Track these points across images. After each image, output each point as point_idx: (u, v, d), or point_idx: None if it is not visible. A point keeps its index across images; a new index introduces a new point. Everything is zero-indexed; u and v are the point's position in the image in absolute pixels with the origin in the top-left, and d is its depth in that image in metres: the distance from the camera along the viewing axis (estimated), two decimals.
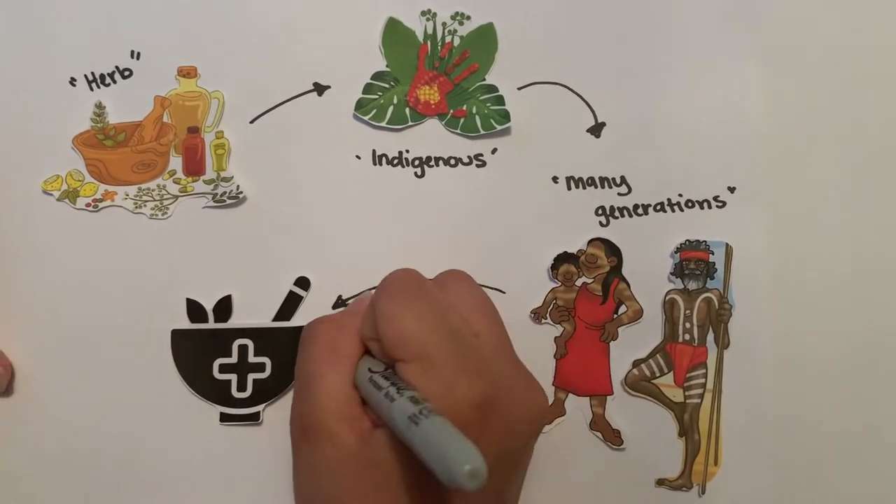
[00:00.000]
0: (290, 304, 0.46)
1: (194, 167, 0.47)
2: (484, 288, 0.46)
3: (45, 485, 0.45)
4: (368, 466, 0.34)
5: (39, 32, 0.47)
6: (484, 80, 0.48)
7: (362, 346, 0.38)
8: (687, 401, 0.47)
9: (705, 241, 0.47)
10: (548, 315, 0.47)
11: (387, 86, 0.48)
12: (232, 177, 0.47)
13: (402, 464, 0.33)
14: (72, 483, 0.45)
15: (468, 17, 0.48)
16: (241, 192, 0.46)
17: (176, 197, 0.47)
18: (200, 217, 0.47)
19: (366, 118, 0.47)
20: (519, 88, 0.48)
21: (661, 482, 0.46)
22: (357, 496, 0.34)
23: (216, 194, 0.47)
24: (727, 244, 0.47)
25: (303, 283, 0.46)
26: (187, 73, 0.47)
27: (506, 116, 0.47)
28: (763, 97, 0.48)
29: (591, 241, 0.47)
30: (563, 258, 0.47)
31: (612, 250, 0.47)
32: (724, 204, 0.48)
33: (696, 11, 0.49)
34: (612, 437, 0.46)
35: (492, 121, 0.47)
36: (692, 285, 0.47)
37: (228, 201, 0.46)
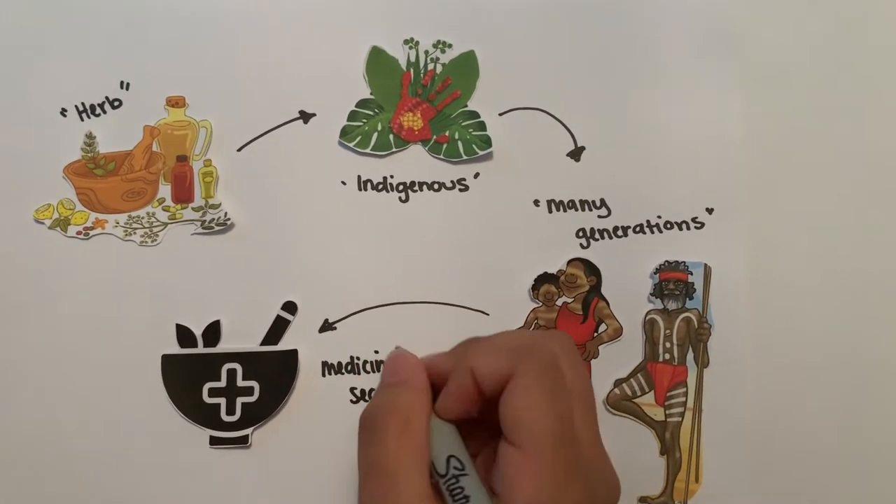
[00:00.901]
0: (278, 328, 0.47)
1: (183, 195, 0.48)
2: (467, 310, 0.48)
3: None
4: None
5: (30, 64, 0.49)
6: (466, 106, 0.49)
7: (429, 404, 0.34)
8: (668, 419, 0.48)
9: (684, 262, 0.48)
10: None
11: (371, 113, 0.49)
12: (220, 204, 0.48)
13: None
14: None
15: (450, 45, 0.49)
16: (230, 219, 0.47)
17: (165, 224, 0.48)
18: (189, 244, 0.47)
19: (350, 145, 0.48)
20: (500, 114, 0.49)
21: (643, 500, 0.47)
22: None
23: (205, 221, 0.48)
24: (706, 264, 0.48)
25: (290, 307, 0.47)
26: (176, 102, 0.48)
27: (487, 142, 0.48)
28: (740, 120, 0.49)
29: (570, 262, 0.48)
30: (543, 279, 0.48)
31: (592, 270, 0.48)
32: (703, 225, 0.49)
33: (675, 37, 0.50)
34: None
35: (474, 146, 0.48)
36: (672, 305, 0.48)
37: (217, 228, 0.47)
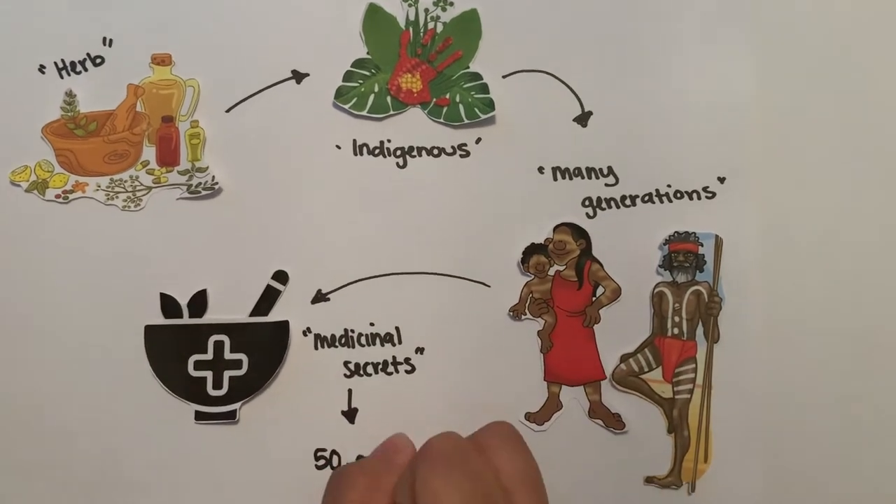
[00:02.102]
0: (268, 298, 0.45)
1: (168, 157, 0.46)
2: (467, 282, 0.46)
3: (16, 485, 0.44)
4: None
5: (7, 18, 0.46)
6: (468, 67, 0.47)
7: None
8: (676, 396, 0.46)
9: (694, 233, 0.46)
10: (526, 310, 0.46)
11: (367, 73, 0.46)
12: (207, 167, 0.46)
13: None
14: (44, 482, 0.44)
15: (451, 3, 0.47)
16: (217, 184, 0.45)
17: (149, 188, 0.46)
18: (174, 209, 0.45)
19: (346, 106, 0.46)
20: (504, 76, 0.47)
21: (649, 480, 0.45)
22: None
23: (191, 185, 0.45)
24: (717, 235, 0.46)
25: (281, 276, 0.45)
26: (161, 60, 0.46)
27: (490, 105, 0.46)
28: (754, 86, 0.47)
29: (556, 228, 0.46)
30: (531, 249, 0.46)
31: (580, 233, 0.46)
32: (714, 195, 0.46)
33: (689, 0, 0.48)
34: (613, 422, 0.45)
35: (476, 109, 0.46)
36: (681, 278, 0.46)
37: (203, 192, 0.45)
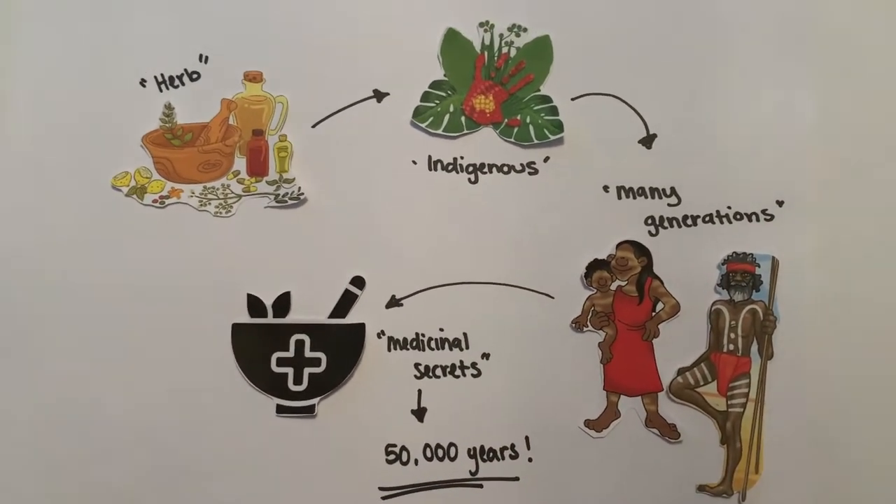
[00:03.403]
0: (346, 301, 0.48)
1: (258, 168, 0.49)
2: (532, 293, 0.48)
3: (107, 474, 0.47)
4: None
5: (112, 35, 0.50)
6: (538, 90, 0.49)
7: None
8: (730, 409, 0.47)
9: (752, 254, 0.48)
10: (588, 322, 0.48)
11: (444, 94, 0.49)
12: (294, 178, 0.49)
13: None
14: (132, 471, 0.47)
15: (525, 29, 0.49)
16: (303, 194, 0.48)
17: (239, 196, 0.49)
18: (262, 216, 0.48)
19: (423, 125, 0.49)
20: (573, 99, 0.49)
21: (701, 488, 0.47)
22: None
23: (278, 195, 0.48)
24: (773, 257, 0.48)
25: (358, 282, 0.48)
26: (253, 77, 0.49)
27: (559, 126, 0.49)
28: (814, 114, 0.49)
29: (619, 245, 0.48)
30: (594, 265, 0.48)
31: (641, 251, 0.48)
32: (772, 217, 0.48)
33: (751, 27, 0.50)
34: (669, 432, 0.47)
35: (545, 130, 0.49)
36: (738, 296, 0.48)
37: (290, 202, 0.48)
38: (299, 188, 0.48)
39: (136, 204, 0.48)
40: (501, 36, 0.49)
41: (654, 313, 0.48)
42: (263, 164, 0.49)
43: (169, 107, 0.49)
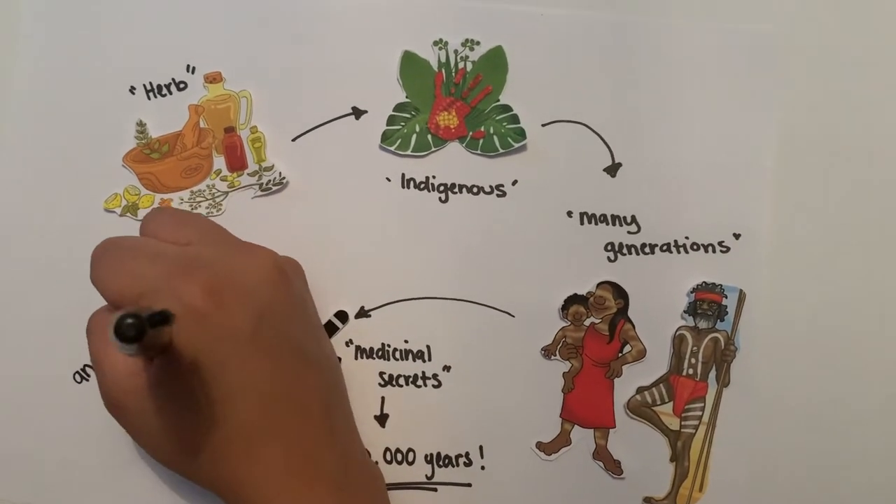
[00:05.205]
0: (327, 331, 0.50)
1: (237, 163, 0.51)
2: (493, 310, 0.50)
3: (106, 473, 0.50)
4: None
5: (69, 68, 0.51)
6: (498, 100, 0.49)
7: None
8: (682, 429, 0.49)
9: (721, 285, 0.48)
10: (557, 352, 0.50)
11: (408, 115, 0.49)
12: (273, 165, 0.50)
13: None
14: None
15: (478, 43, 0.49)
16: (284, 178, 0.50)
17: (226, 193, 0.51)
18: (251, 207, 0.50)
19: (391, 148, 0.49)
20: (543, 125, 0.49)
21: (648, 500, 0.50)
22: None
23: (262, 184, 0.50)
24: (741, 290, 0.48)
25: (341, 315, 0.50)
26: (213, 78, 0.50)
27: (521, 134, 0.49)
28: (775, 148, 0.49)
29: (600, 284, 0.49)
30: (573, 299, 0.49)
31: (620, 293, 0.49)
32: (728, 249, 0.49)
33: (714, 59, 0.49)
34: (613, 467, 0.50)
35: (509, 139, 0.49)
36: (703, 324, 0.49)
37: (274, 188, 0.50)
38: (280, 173, 0.50)
39: (132, 221, 0.50)
40: (456, 52, 0.49)
41: (620, 354, 0.49)
42: (241, 159, 0.51)
43: (141, 123, 0.51)
